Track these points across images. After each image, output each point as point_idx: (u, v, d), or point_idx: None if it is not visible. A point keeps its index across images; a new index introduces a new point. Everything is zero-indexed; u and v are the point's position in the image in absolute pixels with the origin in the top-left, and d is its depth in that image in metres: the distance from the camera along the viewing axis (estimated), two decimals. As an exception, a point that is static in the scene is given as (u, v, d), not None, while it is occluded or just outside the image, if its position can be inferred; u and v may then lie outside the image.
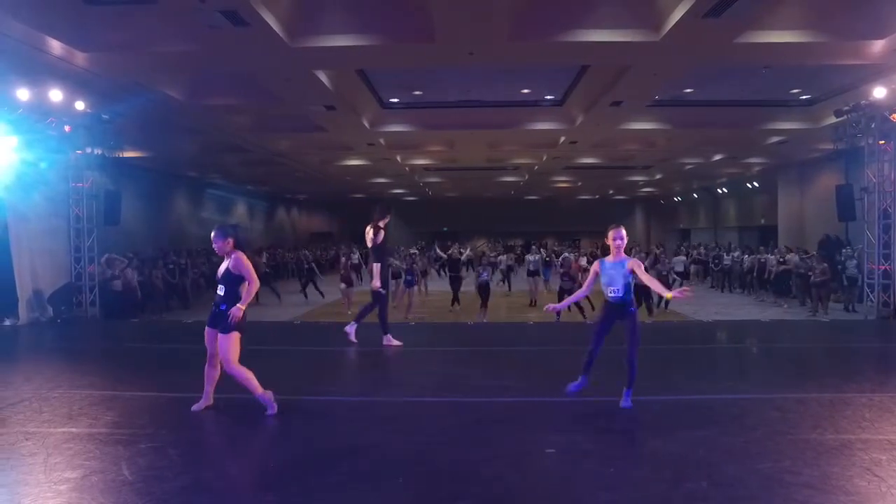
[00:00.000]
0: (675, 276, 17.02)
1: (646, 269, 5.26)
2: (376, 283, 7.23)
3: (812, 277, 13.00)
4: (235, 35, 7.89)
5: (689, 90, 12.26)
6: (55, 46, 8.35)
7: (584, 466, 3.78)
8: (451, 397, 5.38)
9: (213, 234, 4.74)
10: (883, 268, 10.73)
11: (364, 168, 21.38)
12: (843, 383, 5.66)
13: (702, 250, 22.10)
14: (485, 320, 11.91)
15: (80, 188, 11.15)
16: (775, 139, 15.66)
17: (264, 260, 17.78)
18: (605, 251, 5.06)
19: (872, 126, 10.63)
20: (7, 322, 9.84)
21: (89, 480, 3.49)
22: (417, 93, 12.70)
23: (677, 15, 7.61)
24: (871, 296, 11.02)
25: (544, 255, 17.35)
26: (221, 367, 4.73)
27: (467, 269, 17.46)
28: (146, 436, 4.25)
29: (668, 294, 5.08)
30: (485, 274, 12.89)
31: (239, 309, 4.55)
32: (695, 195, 31.60)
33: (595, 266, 4.90)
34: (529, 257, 16.11)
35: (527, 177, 24.71)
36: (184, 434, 4.41)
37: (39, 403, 5.09)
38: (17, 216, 9.99)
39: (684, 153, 18.66)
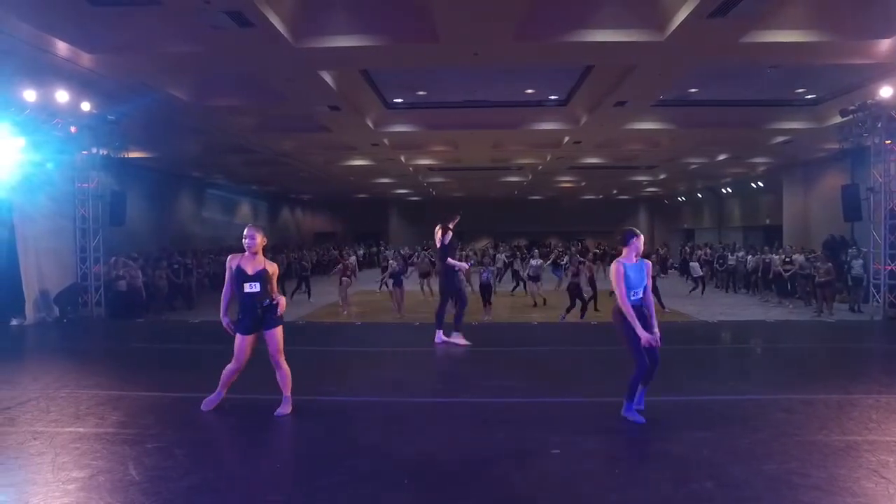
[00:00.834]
0: (692, 281, 16.99)
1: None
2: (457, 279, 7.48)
3: (817, 278, 12.94)
4: (240, 36, 7.91)
5: (693, 90, 12.22)
6: (61, 48, 8.38)
7: (590, 467, 3.78)
8: (456, 398, 5.38)
9: (250, 229, 4.72)
10: (889, 268, 10.68)
11: (368, 168, 21.40)
12: (850, 384, 5.64)
13: (707, 251, 22.03)
14: (487, 319, 11.90)
15: (85, 189, 11.20)
16: (780, 139, 15.59)
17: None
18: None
19: (878, 125, 10.58)
20: (14, 322, 9.90)
21: (97, 480, 3.52)
22: (421, 93, 12.70)
23: (682, 15, 7.58)
24: (877, 296, 10.97)
25: (547, 262, 17.33)
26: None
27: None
28: (152, 436, 4.27)
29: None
30: (486, 274, 12.88)
31: (283, 299, 4.75)
32: (699, 195, 31.50)
33: (619, 269, 4.62)
34: (532, 262, 16.02)
35: (530, 177, 24.67)
36: (189, 434, 4.43)
37: (47, 403, 5.12)
38: (23, 216, 10.05)
39: (689, 153, 18.60)
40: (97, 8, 7.61)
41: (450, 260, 7.77)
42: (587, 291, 13.30)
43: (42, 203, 10.30)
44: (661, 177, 25.12)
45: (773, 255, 15.78)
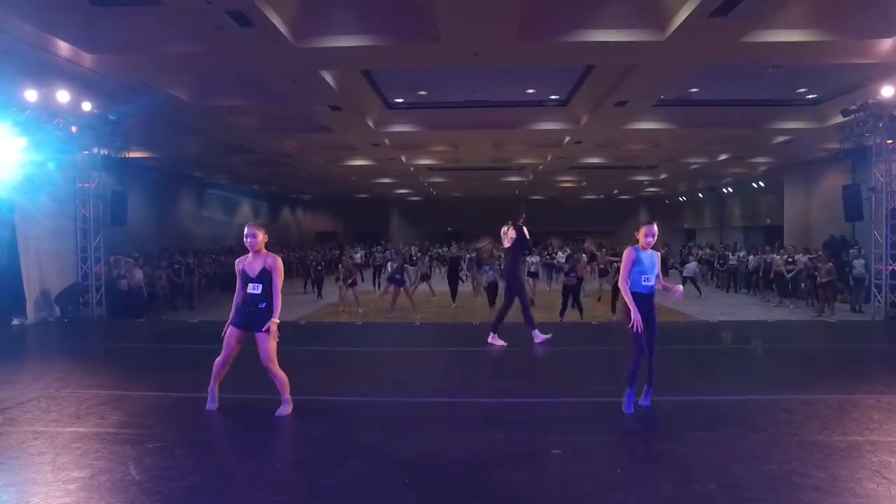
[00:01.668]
0: (687, 281, 17.04)
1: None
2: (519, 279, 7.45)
3: (818, 278, 12.93)
4: (241, 36, 7.91)
5: (694, 90, 12.22)
6: (62, 48, 8.39)
7: (591, 467, 3.77)
8: (457, 398, 5.37)
9: (251, 228, 4.68)
10: (890, 268, 10.67)
11: (369, 168, 21.41)
12: (851, 384, 5.63)
13: (707, 250, 22.02)
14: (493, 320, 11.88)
15: (86, 189, 11.20)
16: (781, 139, 15.58)
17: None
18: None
19: (880, 125, 10.56)
20: (16, 321, 9.90)
21: (97, 480, 3.51)
22: (422, 93, 12.71)
23: (683, 14, 7.58)
24: (878, 296, 10.96)
25: (546, 258, 17.36)
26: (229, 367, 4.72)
27: (472, 269, 17.37)
28: (153, 435, 4.27)
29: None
30: (492, 273, 12.87)
31: (275, 323, 4.59)
32: (700, 195, 31.49)
33: (630, 254, 4.64)
34: (530, 259, 16.10)
35: (531, 177, 24.67)
36: (190, 434, 4.42)
37: (48, 402, 5.12)
38: (24, 216, 10.05)
39: (690, 153, 18.60)
40: (98, 8, 7.62)
41: (509, 265, 7.66)
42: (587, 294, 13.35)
43: (43, 203, 10.29)
44: (662, 177, 25.11)
45: (775, 255, 15.77)
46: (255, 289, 4.62)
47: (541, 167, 21.72)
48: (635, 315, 4.51)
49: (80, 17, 7.82)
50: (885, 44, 8.53)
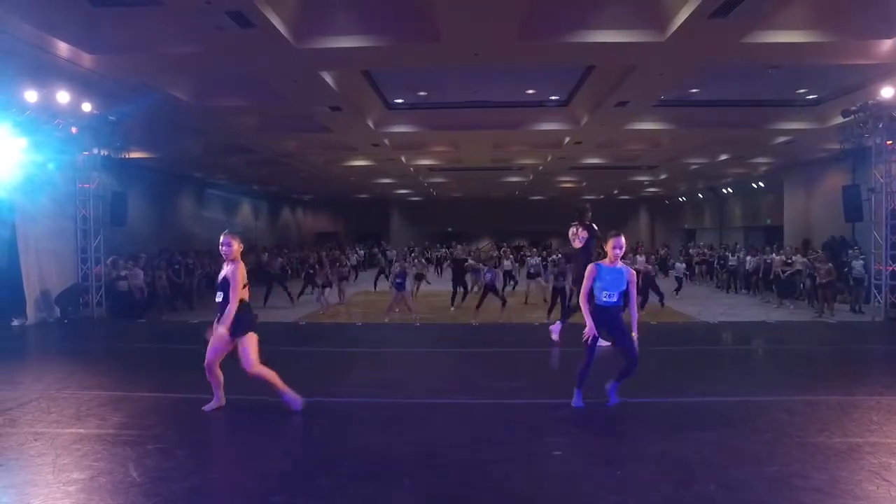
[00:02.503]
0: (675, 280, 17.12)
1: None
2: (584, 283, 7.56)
3: (818, 278, 12.93)
4: (241, 36, 7.90)
5: (694, 90, 12.21)
6: (62, 48, 8.39)
7: (591, 468, 3.77)
8: (457, 399, 5.38)
9: (225, 237, 4.67)
10: (890, 269, 10.67)
11: (369, 168, 21.40)
12: (852, 385, 5.64)
13: (705, 250, 22.01)
14: (475, 322, 11.86)
15: (86, 189, 11.21)
16: (781, 139, 15.57)
17: (279, 261, 17.54)
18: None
19: (880, 126, 10.56)
20: (16, 322, 9.90)
21: (97, 481, 3.52)
22: (422, 93, 12.70)
23: (683, 15, 7.57)
24: (878, 297, 10.96)
25: (545, 258, 17.44)
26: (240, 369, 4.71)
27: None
28: (153, 437, 4.27)
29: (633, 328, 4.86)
30: (490, 275, 12.86)
31: (225, 329, 4.54)
32: (700, 195, 31.47)
33: (591, 270, 4.76)
34: (530, 260, 16.27)
35: (531, 177, 24.67)
36: (191, 435, 4.42)
37: (48, 404, 5.12)
38: (24, 217, 10.06)
39: (690, 153, 18.59)
40: (98, 8, 7.61)
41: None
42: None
43: (43, 203, 10.30)
44: (662, 177, 25.10)
45: (774, 256, 15.76)
46: (219, 297, 4.62)
47: (541, 167, 21.72)
48: (589, 324, 4.69)
49: (80, 17, 7.81)
50: (886, 44, 8.52)
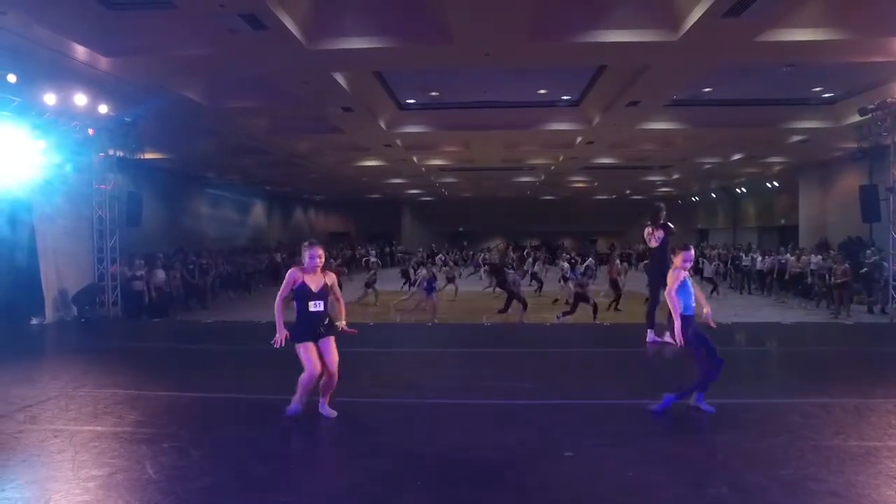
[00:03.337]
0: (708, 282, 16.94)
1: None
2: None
3: (833, 279, 12.77)
4: (254, 38, 7.98)
5: (708, 89, 12.11)
6: (79, 52, 8.53)
7: (603, 470, 3.76)
8: (469, 399, 5.38)
9: (316, 248, 4.67)
10: (908, 269, 10.50)
11: (381, 169, 21.47)
12: (868, 388, 5.56)
13: (719, 251, 21.81)
14: (523, 321, 11.85)
15: (102, 190, 11.37)
16: (796, 138, 15.40)
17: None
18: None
19: (898, 124, 10.41)
20: (34, 321, 10.07)
21: (115, 478, 3.58)
22: (434, 94, 12.73)
23: (696, 14, 7.53)
24: (895, 298, 10.79)
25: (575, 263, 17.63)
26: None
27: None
28: (169, 435, 4.33)
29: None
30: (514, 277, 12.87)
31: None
32: (713, 195, 31.20)
33: (682, 277, 4.72)
34: (563, 265, 16.55)
35: (543, 177, 24.60)
36: (205, 434, 4.47)
37: (66, 401, 5.21)
38: (42, 217, 10.23)
39: (703, 153, 18.44)
40: (114, 12, 7.72)
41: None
42: (607, 293, 13.30)
43: (60, 204, 10.46)
44: (675, 177, 24.92)
45: (789, 256, 15.59)
46: (318, 306, 4.66)
47: (553, 167, 21.65)
48: (678, 332, 4.63)
49: (96, 21, 7.94)
50: (903, 42, 8.40)
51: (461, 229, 36.92)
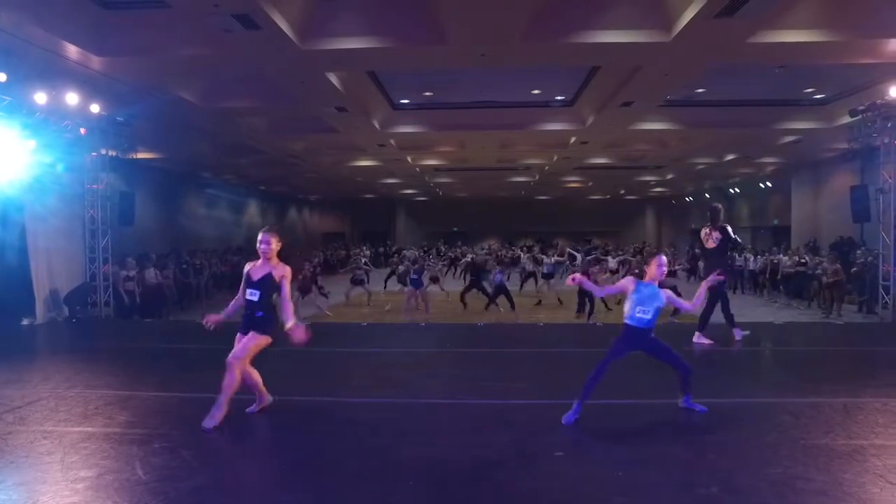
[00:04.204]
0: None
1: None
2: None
3: (824, 279, 12.84)
4: (248, 38, 7.96)
5: (701, 90, 12.17)
6: (72, 51, 8.48)
7: (594, 470, 3.78)
8: (461, 399, 5.39)
9: (266, 234, 4.56)
10: (899, 270, 10.58)
11: (375, 169, 21.47)
12: (857, 387, 5.60)
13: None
14: (495, 319, 11.90)
15: (94, 190, 11.31)
16: (789, 139, 15.49)
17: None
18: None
19: (888, 125, 10.47)
20: (25, 321, 10.01)
21: (104, 479, 3.56)
22: (428, 94, 12.73)
23: (689, 15, 7.56)
24: (886, 298, 10.87)
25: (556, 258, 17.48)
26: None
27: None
28: (160, 436, 4.32)
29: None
30: (499, 276, 12.87)
31: (300, 328, 4.47)
32: (707, 195, 31.31)
33: (630, 284, 4.64)
34: (546, 260, 16.37)
35: (537, 177, 24.65)
36: (196, 435, 4.45)
37: (56, 402, 5.18)
38: (34, 217, 10.16)
39: (696, 153, 18.53)
40: (107, 12, 7.70)
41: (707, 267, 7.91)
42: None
43: (52, 204, 10.40)
44: (669, 177, 25.03)
45: (782, 256, 15.67)
46: (252, 295, 4.57)
47: (547, 167, 21.70)
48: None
49: (89, 20, 7.91)
50: (893, 43, 8.47)
51: (455, 229, 36.93)
